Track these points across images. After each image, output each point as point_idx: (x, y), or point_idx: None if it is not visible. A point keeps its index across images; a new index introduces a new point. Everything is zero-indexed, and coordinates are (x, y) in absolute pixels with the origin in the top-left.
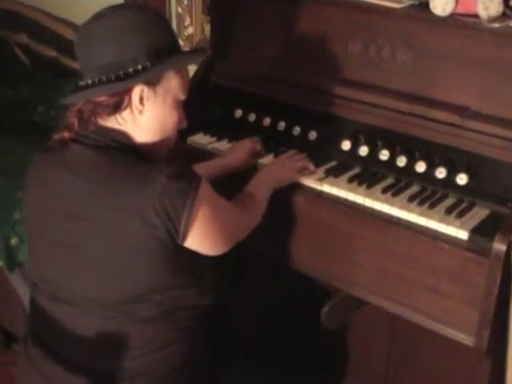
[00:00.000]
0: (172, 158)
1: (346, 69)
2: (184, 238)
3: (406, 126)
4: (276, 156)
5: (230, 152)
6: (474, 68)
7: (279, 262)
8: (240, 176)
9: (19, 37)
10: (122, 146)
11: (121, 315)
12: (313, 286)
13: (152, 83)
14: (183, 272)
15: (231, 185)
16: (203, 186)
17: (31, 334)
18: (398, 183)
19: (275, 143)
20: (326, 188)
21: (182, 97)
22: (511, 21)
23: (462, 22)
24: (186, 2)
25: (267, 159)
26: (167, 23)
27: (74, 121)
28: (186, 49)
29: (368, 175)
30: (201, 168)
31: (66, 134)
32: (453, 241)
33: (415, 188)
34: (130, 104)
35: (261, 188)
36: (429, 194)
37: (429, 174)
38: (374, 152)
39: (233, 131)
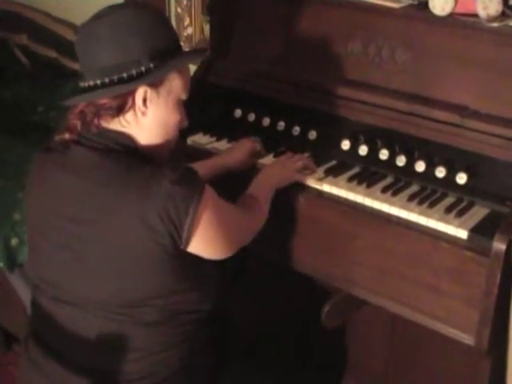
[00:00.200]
0: (173, 159)
1: (346, 68)
2: (187, 243)
3: (405, 126)
4: (276, 156)
5: (229, 152)
6: (473, 67)
7: (279, 261)
8: (240, 176)
9: (19, 37)
10: (125, 148)
11: (123, 318)
12: (313, 286)
13: (155, 84)
14: (186, 277)
15: (231, 185)
16: (207, 190)
17: (32, 334)
18: (398, 182)
19: (275, 143)
20: (326, 188)
21: (184, 96)
22: (510, 20)
23: (461, 22)
24: (185, 2)
25: (267, 159)
26: (168, 22)
27: (77, 122)
28: (186, 49)
29: (368, 175)
30: (198, 167)
31: (67, 136)
32: (452, 240)
33: (415, 187)
34: (133, 106)
35: (262, 190)
36: (428, 194)
37: (428, 174)
38: (373, 151)
39: (232, 131)
